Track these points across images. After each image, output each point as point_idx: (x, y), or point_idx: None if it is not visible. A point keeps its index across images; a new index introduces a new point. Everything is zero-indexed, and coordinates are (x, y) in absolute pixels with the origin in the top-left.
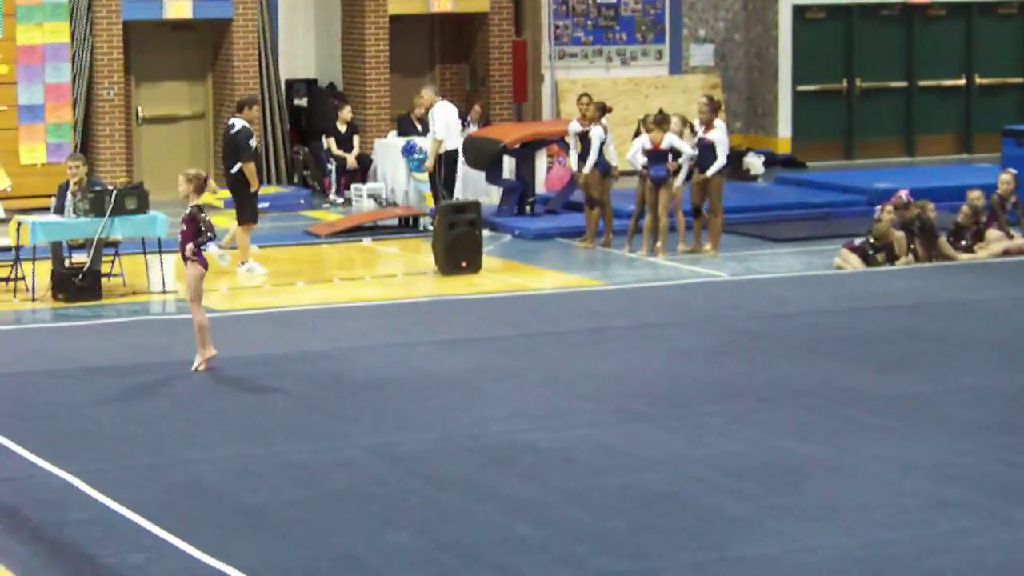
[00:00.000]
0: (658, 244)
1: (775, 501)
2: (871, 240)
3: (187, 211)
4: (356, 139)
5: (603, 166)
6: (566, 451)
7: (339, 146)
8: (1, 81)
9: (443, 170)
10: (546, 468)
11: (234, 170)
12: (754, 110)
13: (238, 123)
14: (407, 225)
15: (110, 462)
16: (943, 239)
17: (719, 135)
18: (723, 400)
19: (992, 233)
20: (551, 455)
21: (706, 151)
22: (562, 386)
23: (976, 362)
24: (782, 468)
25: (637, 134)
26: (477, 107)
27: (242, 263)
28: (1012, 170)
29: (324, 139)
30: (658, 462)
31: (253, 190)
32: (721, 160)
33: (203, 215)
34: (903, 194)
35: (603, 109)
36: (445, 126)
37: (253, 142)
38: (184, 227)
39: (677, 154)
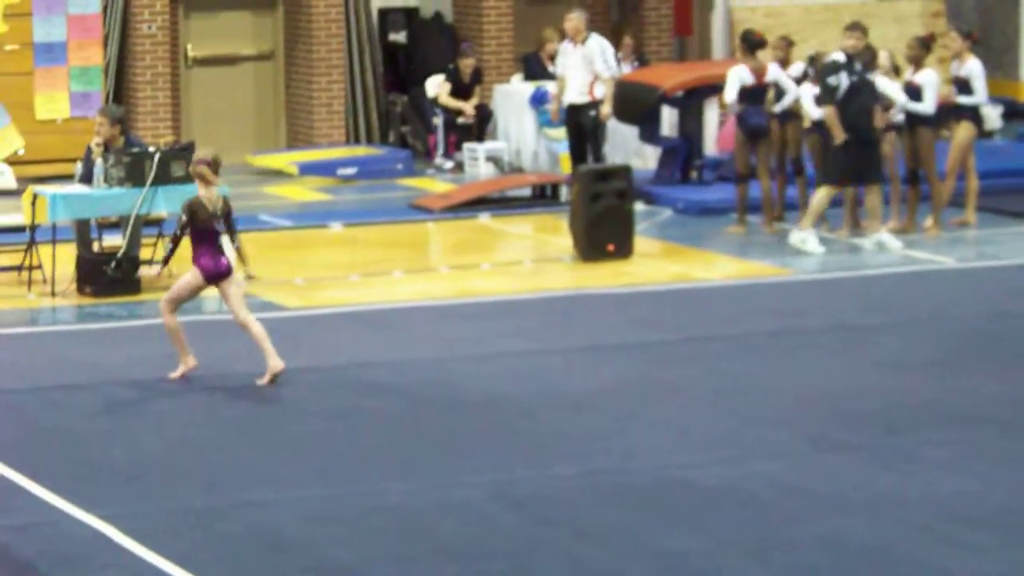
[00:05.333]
0: (864, 221)
1: (1019, 556)
2: None
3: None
4: (478, 89)
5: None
6: (742, 491)
7: (456, 98)
8: (12, 12)
9: (597, 126)
10: (716, 514)
11: (816, 115)
12: (989, 45)
13: (832, 55)
14: (541, 196)
15: (151, 504)
16: None
17: (929, 77)
18: (947, 425)
19: None
20: (723, 496)
21: (914, 98)
22: (738, 406)
23: None
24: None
25: (804, 78)
26: (628, 39)
27: (800, 229)
28: None
29: (430, 85)
30: (863, 506)
31: (837, 141)
32: (924, 106)
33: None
34: None
35: (756, 44)
36: (613, 63)
37: (839, 79)
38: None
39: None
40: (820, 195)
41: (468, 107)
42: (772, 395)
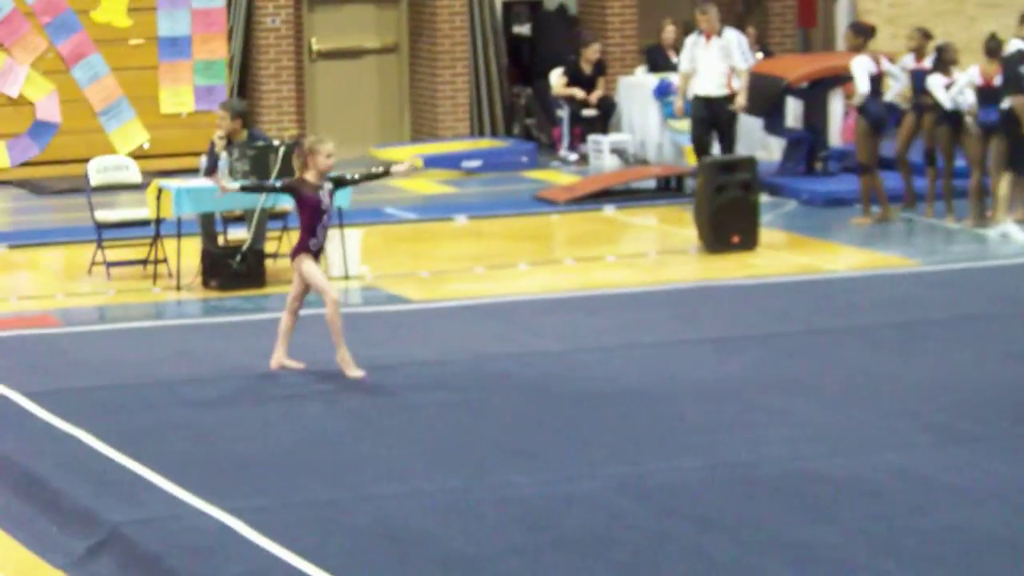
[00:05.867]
0: (989, 213)
1: None
2: None
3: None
4: (601, 81)
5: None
6: (870, 483)
7: (579, 88)
8: (136, 6)
9: (733, 119)
10: (843, 505)
11: (1005, 104)
12: None
13: (1017, 44)
14: (666, 188)
15: (277, 498)
16: None
17: None
18: None
19: None
20: (850, 488)
21: None
22: (864, 398)
23: None
24: None
25: (936, 67)
26: (751, 29)
27: (998, 223)
28: None
29: (554, 78)
30: (992, 496)
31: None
32: None
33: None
34: None
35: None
36: (749, 55)
37: None
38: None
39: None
40: (1003, 182)
41: (581, 93)
42: (898, 386)
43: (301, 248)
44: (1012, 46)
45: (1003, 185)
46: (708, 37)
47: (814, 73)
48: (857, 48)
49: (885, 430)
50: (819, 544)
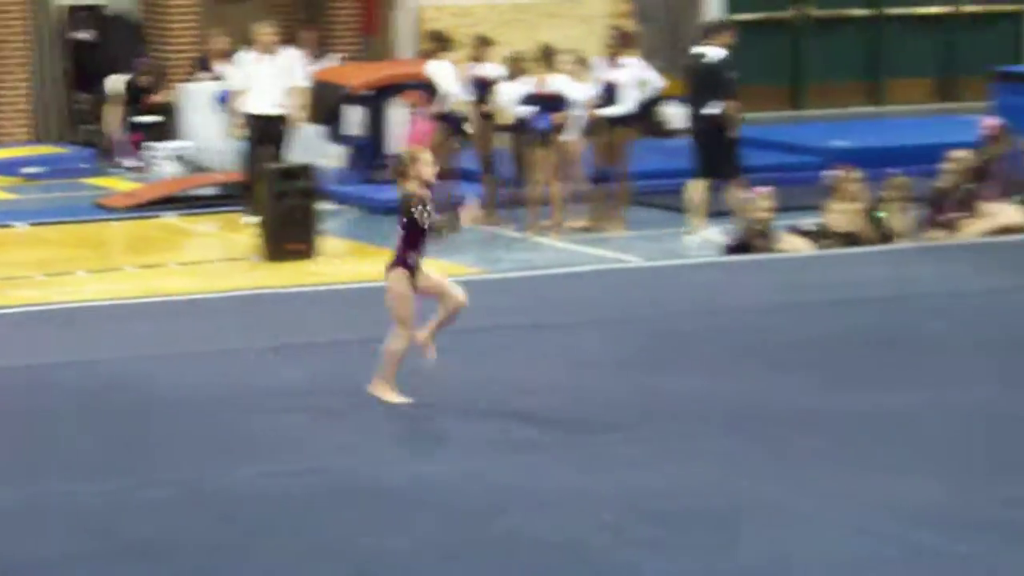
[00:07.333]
0: (548, 220)
1: (706, 553)
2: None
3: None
4: (162, 90)
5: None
6: (434, 489)
7: (137, 99)
8: None
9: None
10: (407, 512)
11: (708, 110)
12: (674, 46)
13: (712, 52)
14: (228, 195)
15: None
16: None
17: (625, 75)
18: (636, 423)
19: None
20: (414, 495)
21: (611, 94)
22: (428, 403)
23: (960, 372)
24: (713, 509)
25: (509, 77)
26: (304, 33)
27: (687, 233)
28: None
29: (108, 84)
30: (553, 502)
31: (734, 135)
32: (623, 106)
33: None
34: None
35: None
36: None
37: (735, 75)
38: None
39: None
40: (700, 189)
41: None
42: (463, 393)
43: (399, 263)
44: (711, 54)
45: (699, 191)
46: (262, 54)
47: (377, 81)
48: (433, 54)
49: (449, 436)
50: (383, 552)
